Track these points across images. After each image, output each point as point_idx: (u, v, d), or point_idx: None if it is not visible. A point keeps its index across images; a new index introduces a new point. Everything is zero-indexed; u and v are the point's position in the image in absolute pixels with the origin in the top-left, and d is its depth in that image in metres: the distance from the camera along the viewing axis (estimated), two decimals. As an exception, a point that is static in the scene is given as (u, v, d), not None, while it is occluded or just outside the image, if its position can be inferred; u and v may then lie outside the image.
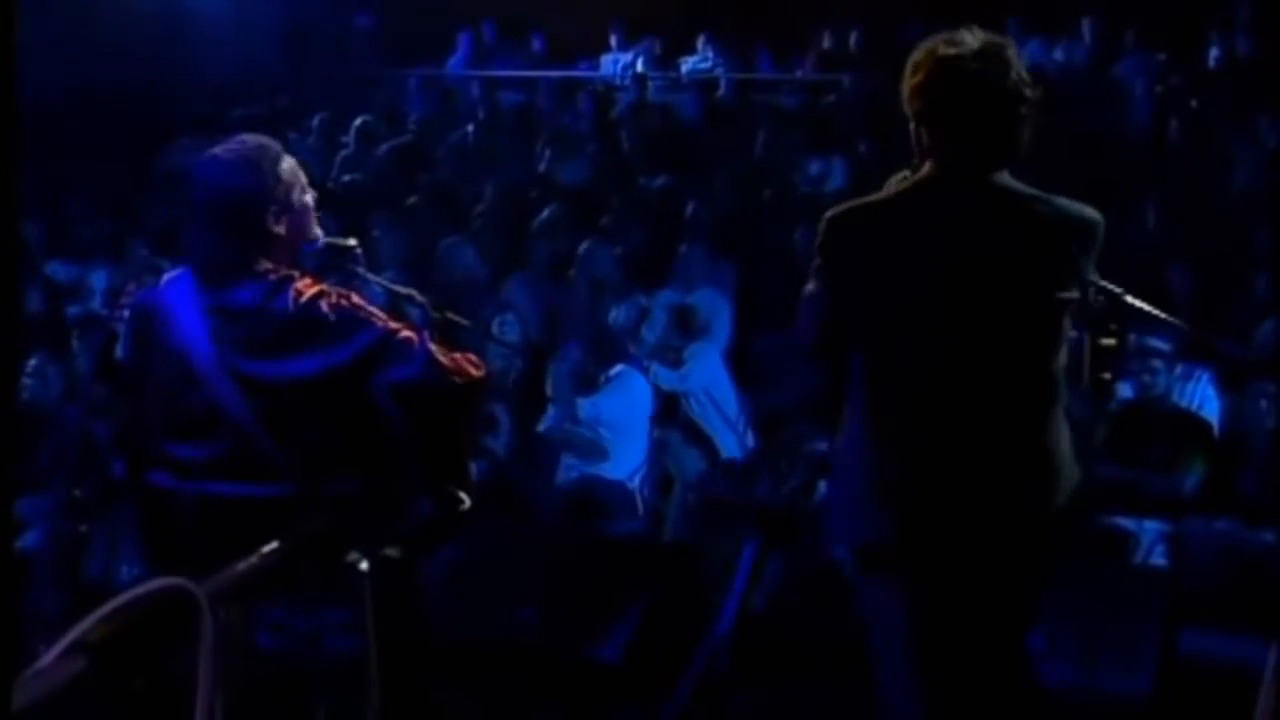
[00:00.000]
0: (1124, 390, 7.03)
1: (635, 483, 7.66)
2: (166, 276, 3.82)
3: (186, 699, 2.45)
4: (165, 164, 12.93)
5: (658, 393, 7.99)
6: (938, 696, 3.66)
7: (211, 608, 2.38)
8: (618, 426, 7.71)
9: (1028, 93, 3.51)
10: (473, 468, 3.92)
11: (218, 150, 3.70)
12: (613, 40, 15.32)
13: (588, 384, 7.78)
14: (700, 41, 14.95)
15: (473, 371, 3.69)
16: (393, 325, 3.63)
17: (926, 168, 3.59)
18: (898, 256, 3.57)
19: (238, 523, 3.47)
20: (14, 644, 2.11)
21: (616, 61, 15.13)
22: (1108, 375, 4.10)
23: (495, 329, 8.32)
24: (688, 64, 14.90)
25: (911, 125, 3.61)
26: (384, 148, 12.63)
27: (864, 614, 3.72)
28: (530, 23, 15.61)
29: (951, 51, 3.50)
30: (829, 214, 3.62)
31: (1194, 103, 11.69)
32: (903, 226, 3.59)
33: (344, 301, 3.62)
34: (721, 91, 13.81)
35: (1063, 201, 3.57)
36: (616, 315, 8.64)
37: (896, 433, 3.59)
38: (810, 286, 3.67)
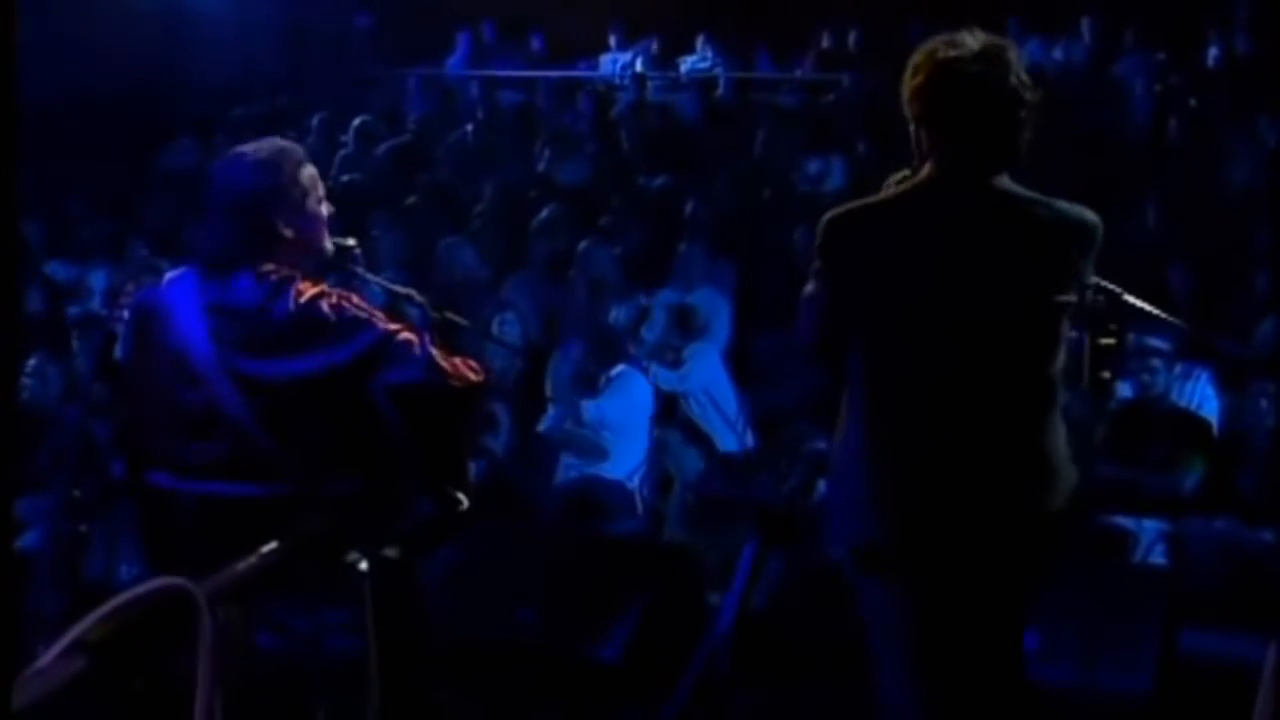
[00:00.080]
0: (1123, 389, 7.03)
1: (635, 482, 7.66)
2: (168, 276, 3.83)
3: (186, 699, 2.45)
4: (165, 164, 12.98)
5: (658, 393, 7.99)
6: (935, 697, 3.66)
7: (211, 607, 2.38)
8: (618, 427, 7.71)
9: (1027, 95, 3.50)
10: (471, 468, 3.92)
11: (242, 148, 3.74)
12: (612, 40, 15.33)
13: (588, 384, 7.78)
14: (699, 41, 14.96)
15: (472, 376, 3.69)
16: (393, 327, 3.64)
17: (926, 170, 3.59)
18: (897, 258, 3.57)
19: (237, 522, 3.47)
20: (14, 644, 2.10)
21: (615, 61, 15.13)
22: (1107, 374, 4.10)
23: (495, 329, 8.32)
24: (687, 63, 14.91)
25: (911, 127, 3.61)
26: (383, 147, 12.63)
27: (863, 614, 3.73)
28: (529, 22, 15.61)
29: (951, 54, 3.50)
30: (828, 216, 3.62)
31: (1193, 102, 11.69)
32: (902, 229, 3.59)
33: (345, 302, 3.63)
34: (721, 91, 13.81)
35: (1062, 204, 3.57)
36: (617, 315, 8.64)
37: (895, 434, 3.59)
38: (809, 287, 3.67)
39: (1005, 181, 3.56)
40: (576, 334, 8.22)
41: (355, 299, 3.68)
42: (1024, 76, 3.51)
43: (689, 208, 10.01)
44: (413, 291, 4.25)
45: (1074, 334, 3.72)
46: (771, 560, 5.63)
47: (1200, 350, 7.23)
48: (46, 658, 2.17)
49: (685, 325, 8.33)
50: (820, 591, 5.69)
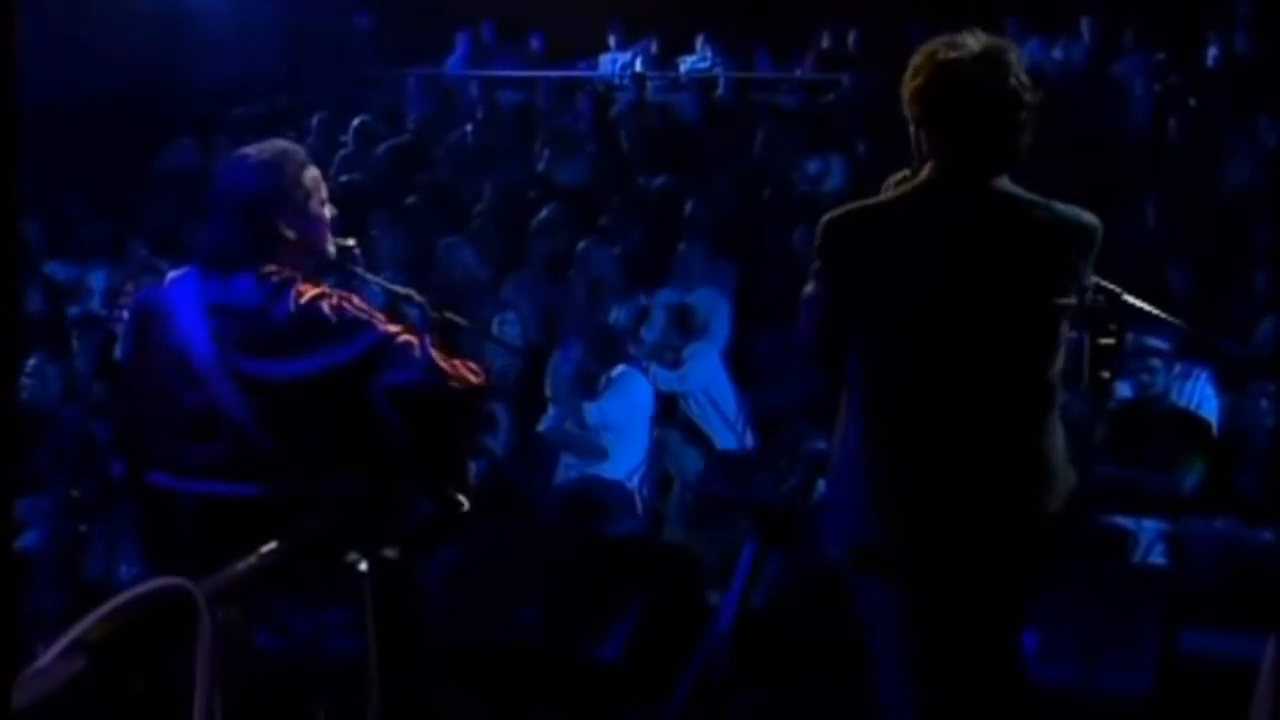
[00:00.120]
0: (1123, 389, 7.03)
1: (634, 482, 7.66)
2: (170, 276, 3.83)
3: (186, 699, 2.45)
4: (165, 164, 12.98)
5: (658, 393, 7.99)
6: (934, 698, 3.66)
7: (210, 607, 2.38)
8: (619, 428, 7.71)
9: (1028, 97, 3.50)
10: (471, 468, 3.92)
11: (246, 149, 3.74)
12: (611, 40, 15.33)
13: (589, 385, 7.78)
14: (699, 41, 14.96)
15: (472, 378, 3.69)
16: (393, 329, 3.64)
17: (925, 171, 3.59)
18: (896, 260, 3.57)
19: (237, 523, 3.47)
20: (14, 644, 2.11)
21: (615, 61, 15.13)
22: (1107, 374, 4.10)
23: (495, 329, 8.32)
24: (686, 63, 14.91)
25: (911, 128, 3.61)
26: (383, 147, 12.63)
27: (862, 614, 3.73)
28: (529, 22, 15.62)
29: (952, 55, 3.49)
30: (827, 217, 3.62)
31: (1193, 101, 11.69)
32: (901, 230, 3.59)
33: (345, 304, 3.63)
34: (720, 91, 13.81)
35: (1062, 207, 3.56)
36: (617, 315, 8.64)
37: (893, 435, 3.59)
38: (809, 288, 3.67)
39: (1005, 183, 3.56)
40: (576, 334, 8.22)
41: (356, 300, 3.68)
42: (1024, 78, 3.50)
43: (689, 207, 10.01)
44: (412, 291, 4.25)
45: (1074, 334, 3.72)
46: (771, 560, 5.63)
47: (1200, 350, 7.24)
48: (46, 658, 2.17)
49: (684, 325, 8.33)
50: (820, 591, 5.69)
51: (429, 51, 15.58)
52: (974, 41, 3.51)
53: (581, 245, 9.44)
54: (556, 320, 9.01)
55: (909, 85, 3.56)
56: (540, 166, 11.94)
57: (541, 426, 7.90)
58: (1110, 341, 3.97)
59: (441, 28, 15.59)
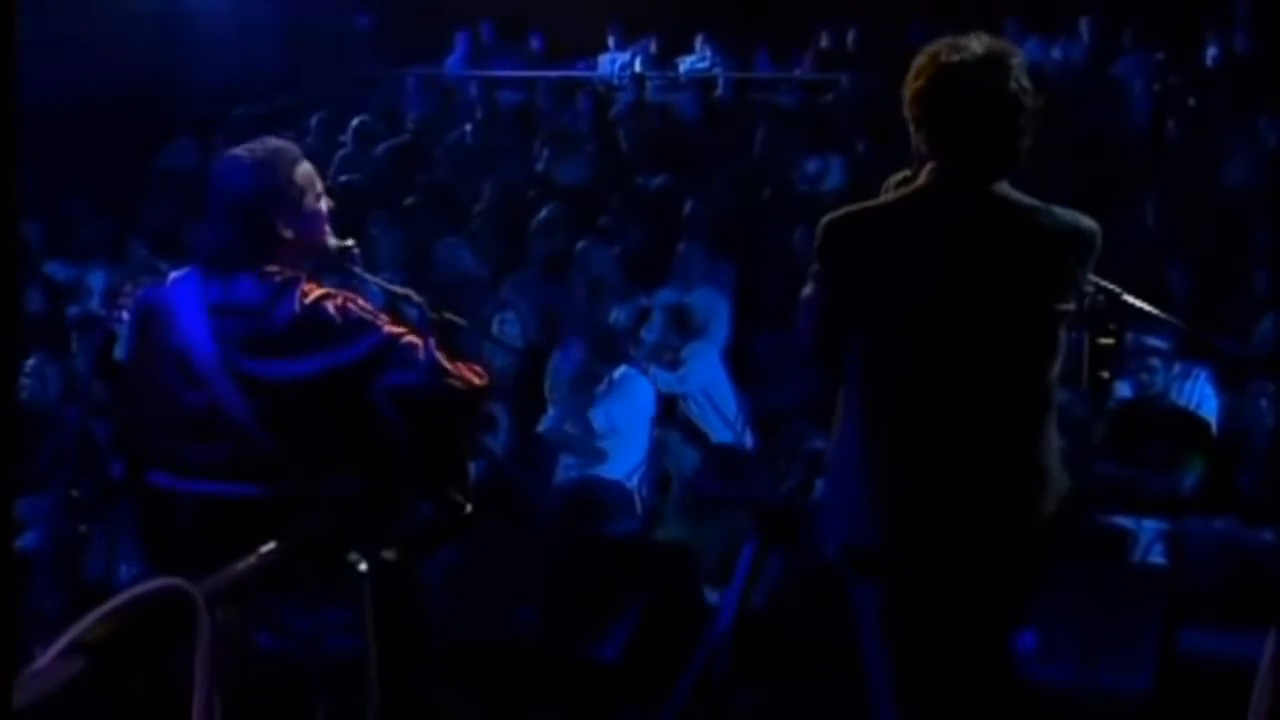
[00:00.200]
0: (1122, 389, 7.04)
1: (634, 482, 7.66)
2: (172, 276, 3.82)
3: (185, 699, 2.45)
4: (165, 164, 12.98)
5: (658, 393, 7.99)
6: (925, 699, 3.67)
7: (209, 608, 2.38)
8: (621, 430, 7.71)
9: (1028, 102, 3.49)
10: (472, 469, 3.92)
11: (238, 149, 3.73)
12: (611, 40, 15.32)
13: (591, 386, 7.78)
14: (698, 41, 14.96)
15: (475, 380, 3.69)
16: (397, 330, 3.63)
17: (925, 174, 3.59)
18: (895, 262, 3.57)
19: (237, 523, 3.47)
20: (14, 644, 2.11)
21: (614, 61, 15.13)
22: (1106, 374, 4.10)
23: (495, 329, 8.32)
24: (686, 63, 14.91)
25: (912, 129, 3.61)
26: (382, 147, 12.63)
27: (856, 614, 3.74)
28: (528, 22, 15.61)
29: (954, 58, 3.49)
30: (826, 219, 3.62)
31: (1192, 101, 11.69)
32: (900, 233, 3.59)
33: (349, 304, 3.62)
34: (719, 91, 13.81)
35: (1061, 212, 3.56)
36: (617, 316, 8.64)
37: (890, 437, 3.59)
38: (808, 289, 3.67)
39: (1005, 187, 3.56)
40: (576, 334, 8.22)
41: (360, 301, 3.68)
42: (1025, 82, 3.50)
43: (688, 207, 10.01)
44: (411, 291, 4.25)
45: (1073, 334, 3.72)
46: (771, 559, 5.63)
47: (1199, 349, 7.24)
48: (45, 658, 2.17)
49: (682, 325, 8.33)
50: (820, 591, 5.68)
51: (428, 51, 15.58)
52: (977, 44, 3.51)
53: (581, 245, 9.44)
54: (556, 320, 9.01)
55: (911, 86, 3.56)
56: (539, 166, 11.94)
57: (541, 427, 7.90)
58: (1110, 341, 3.97)
59: (441, 28, 15.59)
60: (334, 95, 14.25)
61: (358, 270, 4.05)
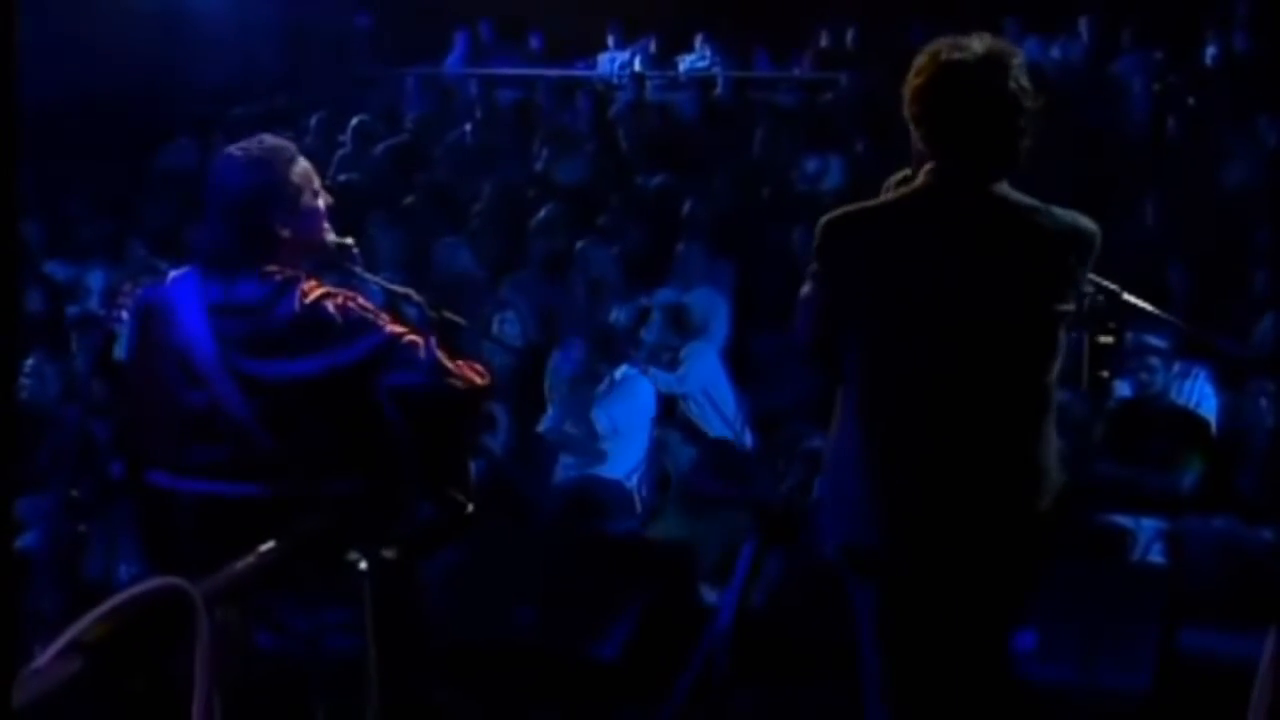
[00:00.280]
0: (1122, 388, 7.03)
1: (633, 482, 7.65)
2: (172, 275, 3.82)
3: (184, 699, 2.45)
4: (164, 164, 12.98)
5: (658, 394, 7.99)
6: (921, 698, 3.68)
7: (208, 607, 2.38)
8: (622, 430, 7.71)
9: (1028, 103, 3.49)
10: (472, 469, 3.92)
11: (234, 148, 3.72)
12: (610, 39, 15.33)
13: (590, 385, 7.78)
14: (697, 40, 14.96)
15: (476, 380, 3.68)
16: (398, 329, 3.63)
17: (924, 174, 3.59)
18: (894, 262, 3.57)
19: (237, 522, 3.46)
20: (14, 644, 2.11)
21: (614, 60, 15.13)
22: (1106, 373, 4.10)
23: (495, 328, 8.32)
24: (685, 62, 14.92)
25: (911, 128, 3.61)
26: (381, 147, 12.62)
27: (853, 613, 3.74)
28: (527, 22, 15.62)
29: (955, 56, 3.49)
30: (826, 219, 3.62)
31: (1192, 100, 11.69)
32: (900, 233, 3.59)
33: (350, 304, 3.62)
34: (719, 90, 13.81)
35: (1060, 212, 3.56)
36: (618, 316, 8.64)
37: (888, 437, 3.60)
38: (806, 289, 3.67)
39: (1004, 188, 3.56)
40: (576, 334, 8.22)
41: (360, 300, 3.67)
42: (1025, 83, 3.50)
43: (687, 207, 10.01)
44: (410, 291, 4.25)
45: (1073, 333, 3.72)
46: (770, 559, 5.63)
47: (1199, 349, 7.23)
48: (44, 657, 2.17)
49: (680, 325, 8.31)
50: (819, 590, 5.68)
51: (428, 51, 15.58)
52: (978, 44, 3.51)
53: (580, 245, 9.44)
54: (556, 320, 9.00)
55: (911, 84, 3.56)
56: (539, 166, 11.94)
57: (541, 427, 7.90)
58: (1109, 340, 3.97)
59: (440, 27, 15.59)
60: (333, 95, 14.24)
61: (357, 269, 4.05)
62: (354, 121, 12.82)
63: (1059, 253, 3.54)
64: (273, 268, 3.63)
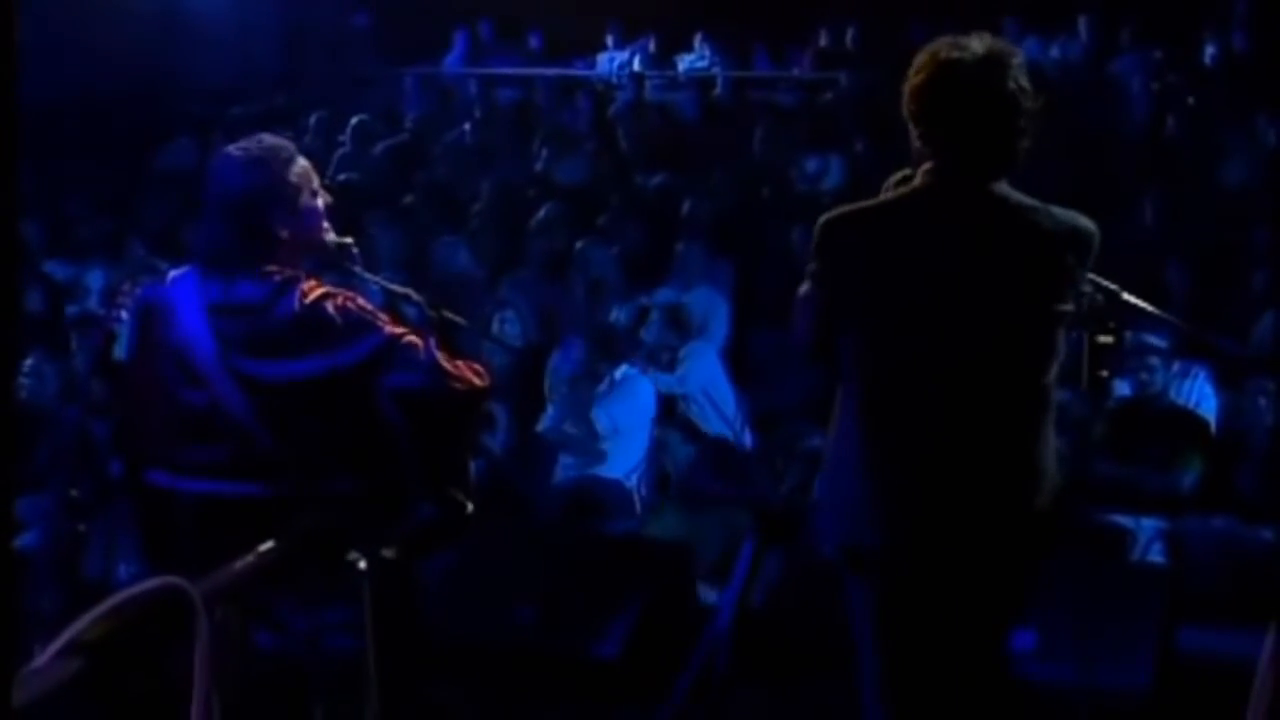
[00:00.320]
0: (1121, 388, 7.03)
1: (633, 482, 7.65)
2: (172, 274, 3.82)
3: (183, 698, 2.45)
4: (163, 164, 12.98)
5: (658, 394, 7.99)
6: (918, 697, 3.68)
7: (207, 607, 2.38)
8: (622, 430, 7.71)
9: (1027, 103, 3.49)
10: (472, 469, 3.92)
11: (233, 148, 3.72)
12: (609, 39, 15.32)
13: (590, 385, 7.78)
14: (697, 40, 14.95)
15: (476, 380, 3.68)
16: (398, 330, 3.62)
17: (923, 174, 3.59)
18: (893, 262, 3.57)
19: (237, 522, 3.46)
20: (14, 643, 2.11)
21: (613, 60, 15.12)
22: (1105, 373, 4.10)
23: (495, 328, 8.32)
24: (685, 62, 14.91)
25: (911, 127, 3.61)
26: (380, 147, 12.62)
27: (851, 612, 3.74)
28: (527, 21, 15.61)
29: (954, 55, 3.49)
30: (825, 218, 3.62)
31: (1191, 100, 11.69)
32: (899, 233, 3.59)
33: (350, 304, 3.62)
34: (718, 90, 13.81)
35: (1059, 211, 3.56)
36: (618, 316, 8.63)
37: (887, 436, 3.59)
38: (805, 288, 3.67)
39: (1003, 187, 3.56)
40: (576, 334, 8.22)
41: (360, 300, 3.67)
42: (1025, 83, 3.50)
43: (687, 207, 10.01)
44: (410, 290, 4.25)
45: (1073, 333, 3.72)
46: (769, 559, 5.63)
47: (1198, 348, 7.23)
48: (44, 657, 2.17)
49: (679, 325, 8.32)
50: (819, 590, 5.68)
51: (427, 50, 15.57)
52: (978, 44, 3.51)
53: (580, 245, 9.44)
54: (555, 320, 9.00)
55: (910, 83, 3.56)
56: (538, 166, 11.94)
57: (540, 426, 7.90)
58: (1109, 340, 3.97)
59: (439, 27, 15.59)
60: (332, 94, 14.24)
61: (357, 269, 4.05)
62: (353, 121, 12.82)
63: (1058, 252, 3.54)
64: (272, 268, 3.63)
